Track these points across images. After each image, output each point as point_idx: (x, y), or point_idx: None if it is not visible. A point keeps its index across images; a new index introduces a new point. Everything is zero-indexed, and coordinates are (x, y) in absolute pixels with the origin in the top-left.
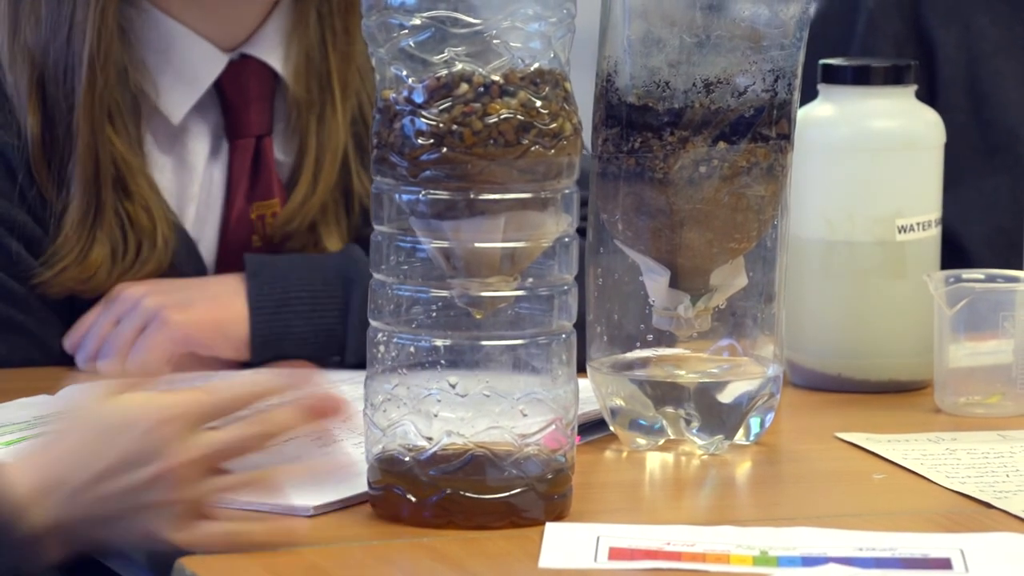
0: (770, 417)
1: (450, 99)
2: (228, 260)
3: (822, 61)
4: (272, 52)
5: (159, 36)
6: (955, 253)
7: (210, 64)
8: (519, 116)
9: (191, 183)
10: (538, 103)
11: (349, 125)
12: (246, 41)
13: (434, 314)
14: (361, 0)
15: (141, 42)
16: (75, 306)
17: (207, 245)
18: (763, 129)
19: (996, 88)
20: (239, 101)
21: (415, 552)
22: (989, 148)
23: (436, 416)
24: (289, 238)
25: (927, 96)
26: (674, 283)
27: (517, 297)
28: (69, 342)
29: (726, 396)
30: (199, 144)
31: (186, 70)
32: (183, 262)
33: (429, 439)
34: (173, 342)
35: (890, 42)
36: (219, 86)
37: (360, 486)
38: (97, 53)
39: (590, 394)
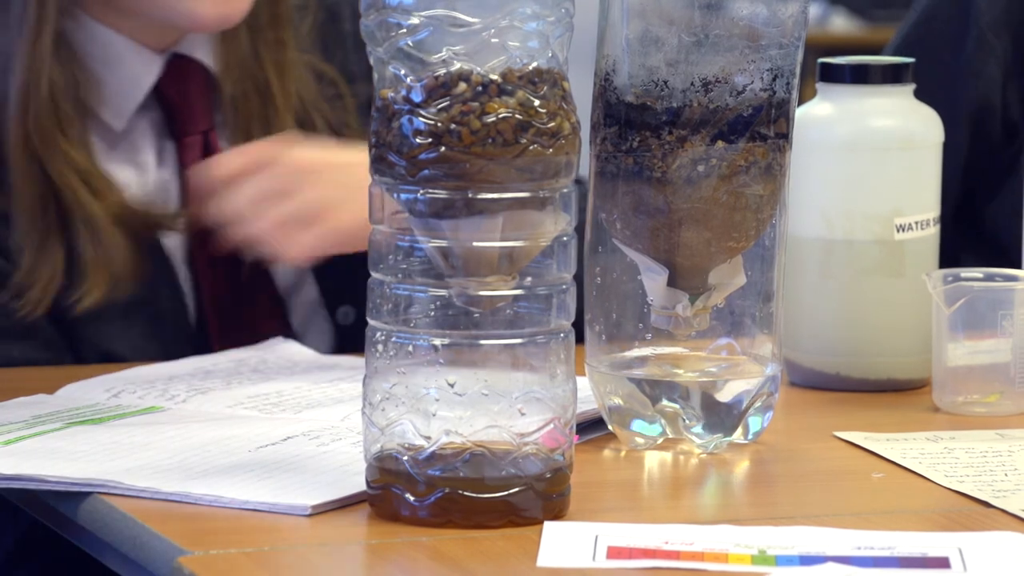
0: (768, 416)
1: (448, 98)
2: (199, 254)
3: (820, 60)
4: (203, 49)
5: (99, 47)
6: None
7: (148, 68)
8: (517, 115)
9: (145, 181)
10: (536, 102)
11: (297, 126)
12: (178, 40)
13: (432, 313)
14: (288, 13)
15: (83, 55)
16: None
17: (172, 241)
18: (761, 128)
19: None
20: (180, 101)
21: (413, 551)
22: None
23: (434, 415)
24: None
25: (1019, 118)
26: (672, 282)
27: (515, 296)
28: (202, 177)
29: (725, 395)
30: (146, 144)
31: (126, 76)
32: (148, 257)
33: (427, 438)
34: (331, 244)
35: (1000, 65)
36: (156, 86)
37: (358, 485)
38: (30, 87)
39: (588, 393)
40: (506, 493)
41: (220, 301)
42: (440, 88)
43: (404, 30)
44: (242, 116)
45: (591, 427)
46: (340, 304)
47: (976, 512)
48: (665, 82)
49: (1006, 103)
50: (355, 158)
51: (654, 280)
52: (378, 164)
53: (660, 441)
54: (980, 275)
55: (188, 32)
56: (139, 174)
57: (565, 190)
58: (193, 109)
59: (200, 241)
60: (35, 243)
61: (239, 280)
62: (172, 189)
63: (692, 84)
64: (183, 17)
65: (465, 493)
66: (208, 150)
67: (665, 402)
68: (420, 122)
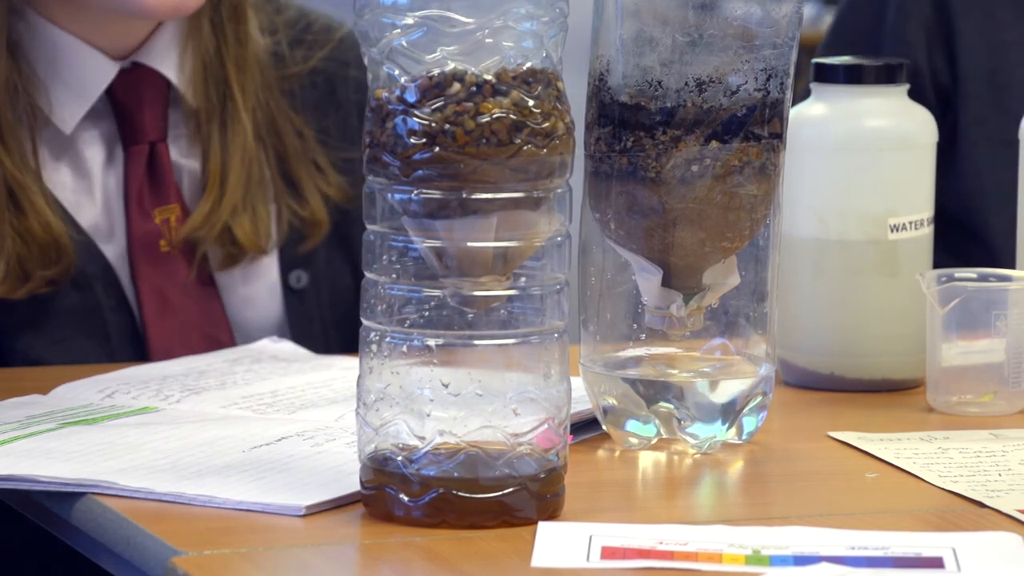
0: (763, 416)
1: (442, 98)
2: (141, 264)
3: (815, 60)
4: (165, 60)
5: (49, 48)
6: (977, 244)
7: (100, 73)
8: (511, 115)
9: (91, 189)
10: (530, 102)
11: (255, 131)
12: (137, 49)
13: (427, 313)
14: (249, 7)
15: (32, 55)
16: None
17: (115, 250)
18: (755, 128)
19: (1017, 79)
20: (132, 108)
21: (407, 552)
22: (1008, 139)
23: (429, 415)
24: (200, 242)
25: (949, 83)
26: (667, 282)
27: (509, 296)
28: None
29: (719, 395)
30: (94, 151)
31: (76, 80)
32: (87, 265)
33: (422, 438)
34: None
35: (921, 28)
36: (111, 94)
37: (352, 485)
38: None
39: (582, 393)
40: (500, 493)
41: (162, 309)
42: (434, 88)
43: (398, 30)
44: (203, 122)
45: (585, 427)
46: (293, 268)
47: (970, 512)
48: (659, 82)
49: (934, 68)
50: None
51: (648, 280)
52: (372, 164)
53: (654, 441)
54: (974, 275)
55: (141, 19)
56: (85, 180)
57: (559, 190)
58: (144, 118)
59: (142, 251)
60: None
61: (183, 288)
62: (116, 197)
63: (686, 84)
64: (135, 6)
65: (459, 493)
66: (154, 161)
67: (660, 402)
68: (414, 122)
